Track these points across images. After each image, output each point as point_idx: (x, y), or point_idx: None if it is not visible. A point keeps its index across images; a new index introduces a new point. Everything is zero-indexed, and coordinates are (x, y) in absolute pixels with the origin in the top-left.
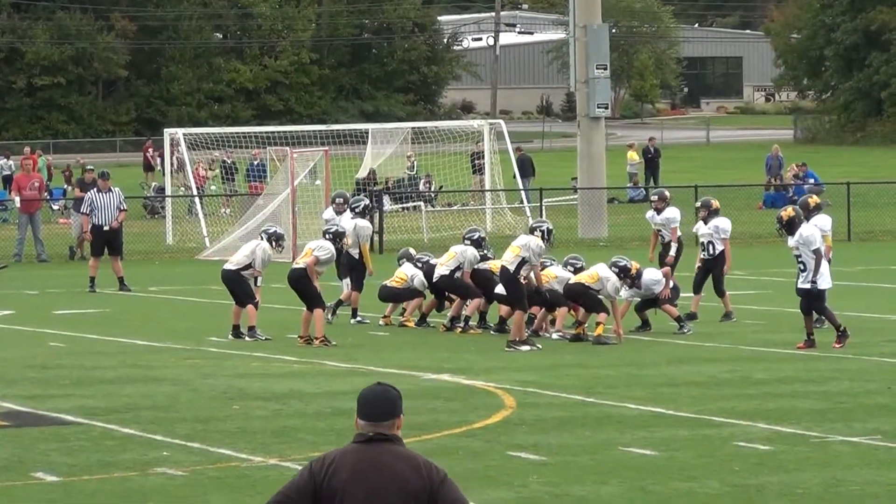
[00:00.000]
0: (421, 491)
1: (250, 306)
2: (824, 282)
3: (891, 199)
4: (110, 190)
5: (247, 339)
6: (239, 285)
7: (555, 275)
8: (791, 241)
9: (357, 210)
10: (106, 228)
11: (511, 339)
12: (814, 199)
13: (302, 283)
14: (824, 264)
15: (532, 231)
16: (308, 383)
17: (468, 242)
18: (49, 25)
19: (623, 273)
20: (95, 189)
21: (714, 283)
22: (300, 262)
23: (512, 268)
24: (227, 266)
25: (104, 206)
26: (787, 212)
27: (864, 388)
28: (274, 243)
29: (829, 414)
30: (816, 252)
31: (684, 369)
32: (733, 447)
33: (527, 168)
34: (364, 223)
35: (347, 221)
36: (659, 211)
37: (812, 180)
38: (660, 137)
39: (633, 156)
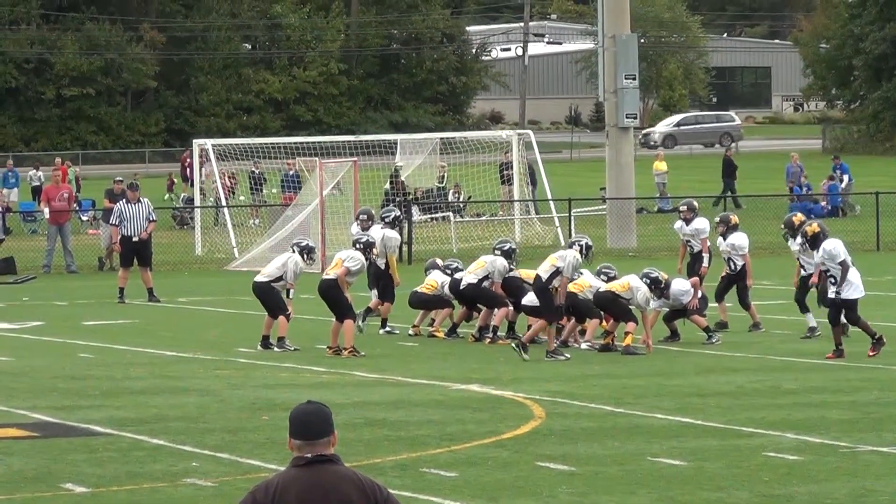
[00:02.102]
0: None
1: (281, 317)
2: (853, 291)
3: None
4: (139, 201)
5: (276, 349)
6: (270, 297)
7: (588, 284)
8: (817, 257)
9: (387, 220)
10: (135, 239)
11: (550, 350)
12: (798, 217)
13: (332, 293)
14: (855, 274)
15: (571, 245)
16: (337, 394)
17: (498, 252)
18: (78, 36)
19: (654, 284)
20: (125, 200)
21: (739, 297)
22: (330, 273)
23: (545, 276)
24: (259, 278)
25: (133, 216)
26: (812, 227)
27: (893, 397)
28: (305, 256)
29: (858, 424)
30: (842, 264)
31: (713, 379)
32: (762, 457)
33: (532, 177)
34: (392, 234)
35: (377, 232)
36: (688, 221)
37: (846, 177)
38: (688, 148)
39: (659, 166)
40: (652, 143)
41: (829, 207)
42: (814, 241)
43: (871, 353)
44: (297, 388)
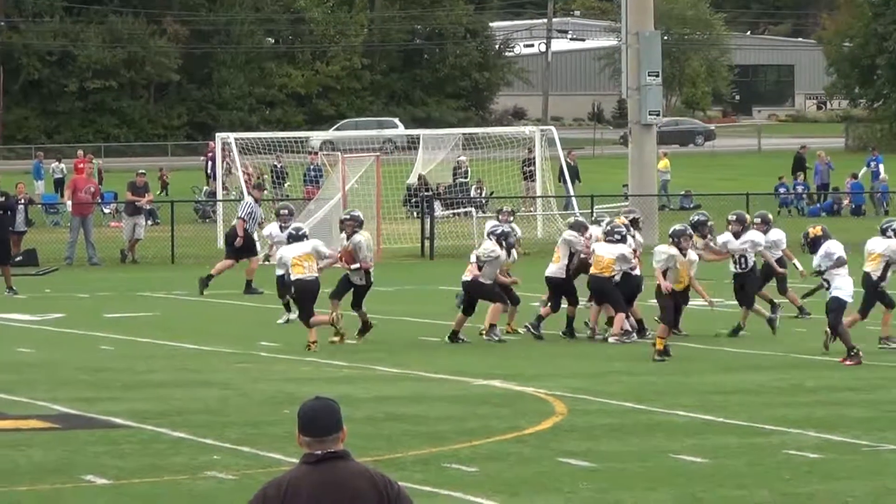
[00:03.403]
0: None
1: (495, 305)
2: (837, 292)
3: None
4: (260, 203)
5: (485, 338)
6: (481, 290)
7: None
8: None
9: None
10: (255, 236)
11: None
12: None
13: (478, 289)
14: (846, 280)
15: (884, 232)
16: (358, 388)
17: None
18: (101, 29)
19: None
20: (253, 199)
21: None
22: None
23: (879, 273)
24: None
25: (258, 216)
26: (815, 230)
27: None
28: (503, 242)
29: (879, 422)
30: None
31: (734, 377)
32: (783, 455)
33: (573, 174)
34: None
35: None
36: (736, 235)
37: (882, 166)
38: (711, 145)
39: (660, 164)
40: (310, 150)
41: (853, 206)
42: (813, 244)
43: (845, 362)
44: (318, 382)
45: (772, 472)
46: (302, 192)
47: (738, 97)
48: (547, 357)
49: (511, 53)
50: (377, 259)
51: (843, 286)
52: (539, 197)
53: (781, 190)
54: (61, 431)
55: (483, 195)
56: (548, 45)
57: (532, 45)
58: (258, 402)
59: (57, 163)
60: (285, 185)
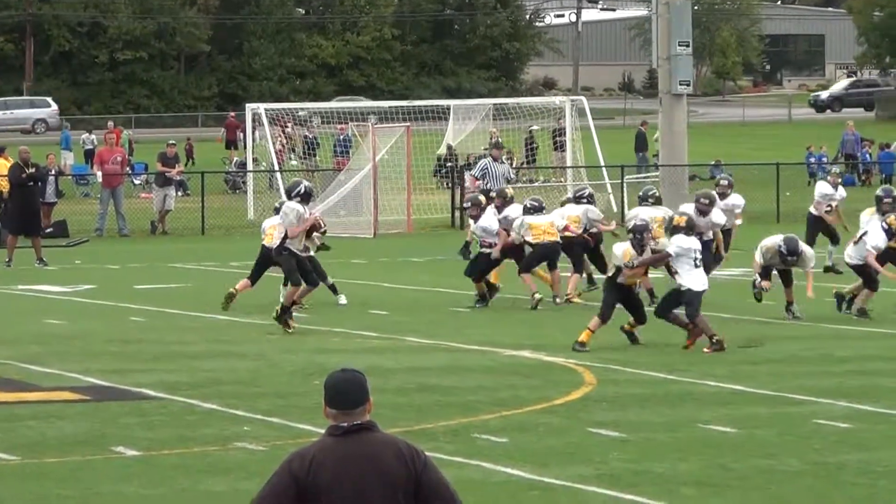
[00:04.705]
0: (406, 478)
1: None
2: (694, 282)
3: None
4: (502, 161)
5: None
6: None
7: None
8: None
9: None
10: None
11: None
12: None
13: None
14: (688, 274)
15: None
16: (389, 359)
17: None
18: (132, 0)
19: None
20: (492, 158)
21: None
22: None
23: None
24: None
25: (496, 175)
26: (679, 219)
27: None
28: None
29: None
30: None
31: (764, 347)
32: (813, 425)
33: (641, 143)
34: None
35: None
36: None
37: None
38: (741, 115)
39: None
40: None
41: (884, 176)
42: (674, 230)
43: (705, 350)
44: (348, 353)
45: (802, 442)
46: (332, 162)
47: (768, 67)
48: (576, 327)
49: (541, 23)
50: (409, 230)
51: (692, 278)
52: (570, 167)
53: (811, 160)
54: (92, 403)
55: (513, 165)
56: (578, 14)
57: (562, 15)
58: (288, 373)
59: (87, 134)
60: (317, 155)
